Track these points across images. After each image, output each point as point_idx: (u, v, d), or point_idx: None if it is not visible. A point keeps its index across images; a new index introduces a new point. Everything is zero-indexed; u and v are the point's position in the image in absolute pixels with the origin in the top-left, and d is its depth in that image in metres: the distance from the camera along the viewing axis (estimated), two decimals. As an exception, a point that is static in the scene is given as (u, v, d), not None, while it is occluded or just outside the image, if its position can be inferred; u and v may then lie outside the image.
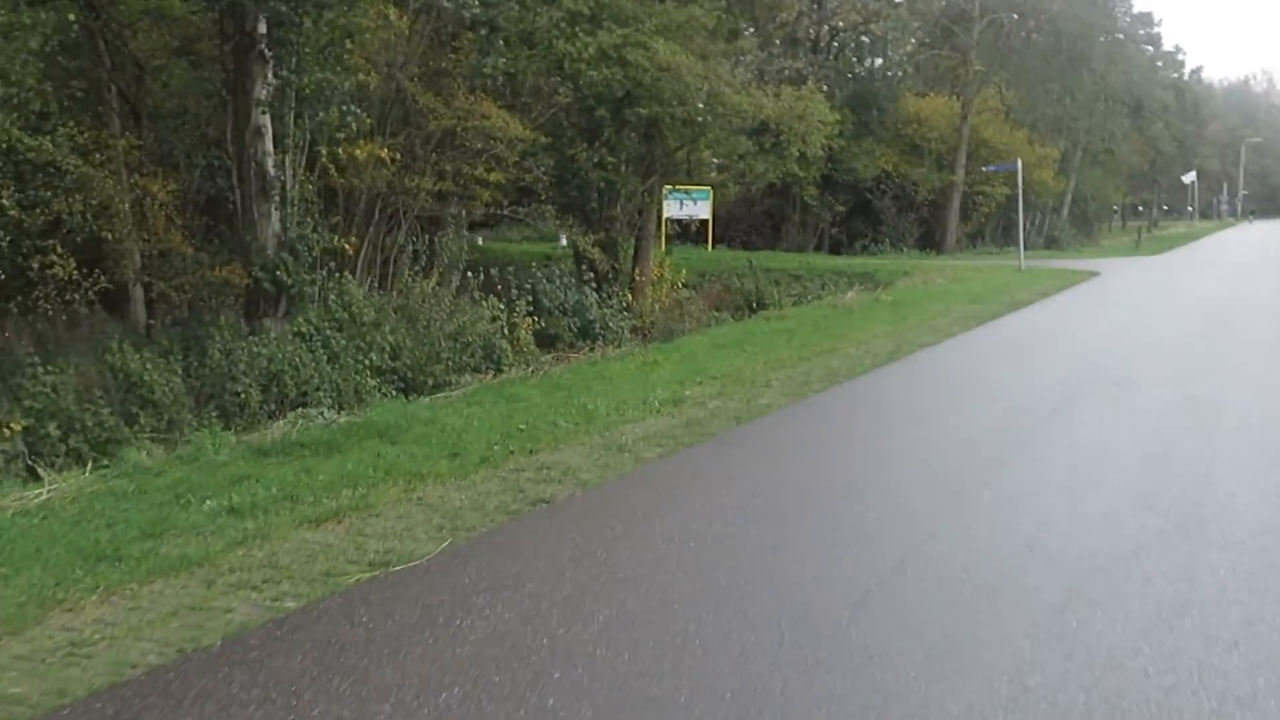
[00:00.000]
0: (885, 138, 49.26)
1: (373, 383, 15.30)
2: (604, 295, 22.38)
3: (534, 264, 22.26)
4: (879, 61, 52.50)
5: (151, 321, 15.66)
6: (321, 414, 10.30)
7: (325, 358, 15.19)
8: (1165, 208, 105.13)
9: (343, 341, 15.46)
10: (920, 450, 8.09)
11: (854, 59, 50.80)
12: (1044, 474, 7.27)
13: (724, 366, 12.27)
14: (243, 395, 13.55)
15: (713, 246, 45.68)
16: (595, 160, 24.00)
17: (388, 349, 16.02)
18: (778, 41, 47.20)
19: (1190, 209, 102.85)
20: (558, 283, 21.16)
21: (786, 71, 45.87)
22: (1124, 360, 13.10)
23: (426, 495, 6.74)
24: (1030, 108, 53.35)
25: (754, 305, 29.20)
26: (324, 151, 17.35)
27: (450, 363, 16.39)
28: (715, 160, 50.36)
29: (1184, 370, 12.38)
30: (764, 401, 10.14)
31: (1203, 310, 19.91)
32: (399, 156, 18.22)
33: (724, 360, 12.83)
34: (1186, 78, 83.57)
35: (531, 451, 7.96)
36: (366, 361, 15.52)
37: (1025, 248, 53.20)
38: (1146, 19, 68.18)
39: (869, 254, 45.75)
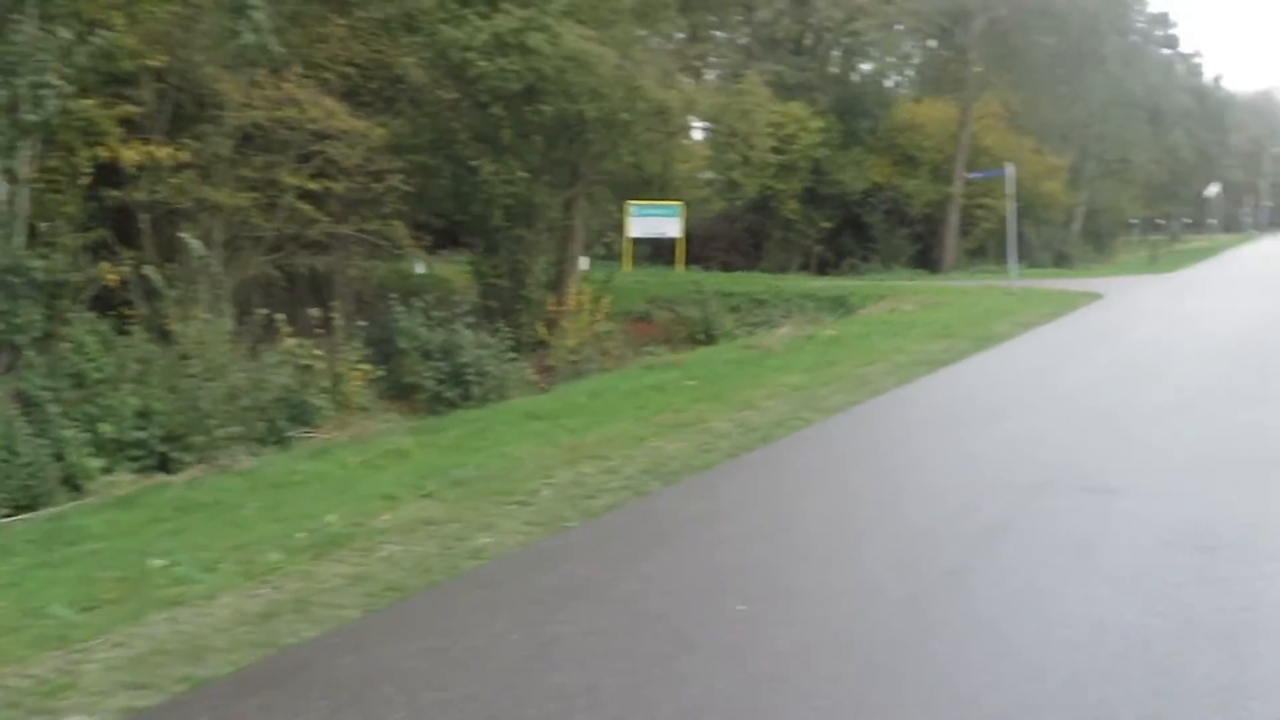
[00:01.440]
0: (876, 147, 45.04)
1: (96, 464, 11.27)
2: (496, 331, 18.33)
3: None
4: (871, 66, 48.27)
5: None
6: None
7: (31, 431, 11.19)
8: (1187, 221, 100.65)
9: (54, 409, 11.45)
10: None
11: (842, 62, 46.53)
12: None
13: (500, 457, 8.19)
14: None
15: (685, 267, 41.62)
16: (503, 174, 20.05)
17: (129, 415, 12.00)
18: (746, 41, 43.22)
19: (1213, 222, 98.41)
20: (421, 318, 17.08)
21: (767, 76, 41.87)
22: (1105, 442, 8.94)
23: None
24: (1036, 113, 49.01)
25: (701, 337, 25.25)
26: (80, 152, 13.44)
27: (221, 431, 12.33)
28: (706, 174, 46.71)
29: (1195, 461, 8.25)
30: (480, 542, 6.06)
31: (1222, 347, 15.71)
32: (192, 158, 14.29)
33: (514, 443, 8.75)
34: (1208, 85, 79.08)
35: None
36: (90, 433, 11.51)
37: (1033, 264, 49.11)
38: (1162, 19, 63.58)
39: (857, 274, 41.52)
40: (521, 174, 20.25)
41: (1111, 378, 12.70)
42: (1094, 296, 25.43)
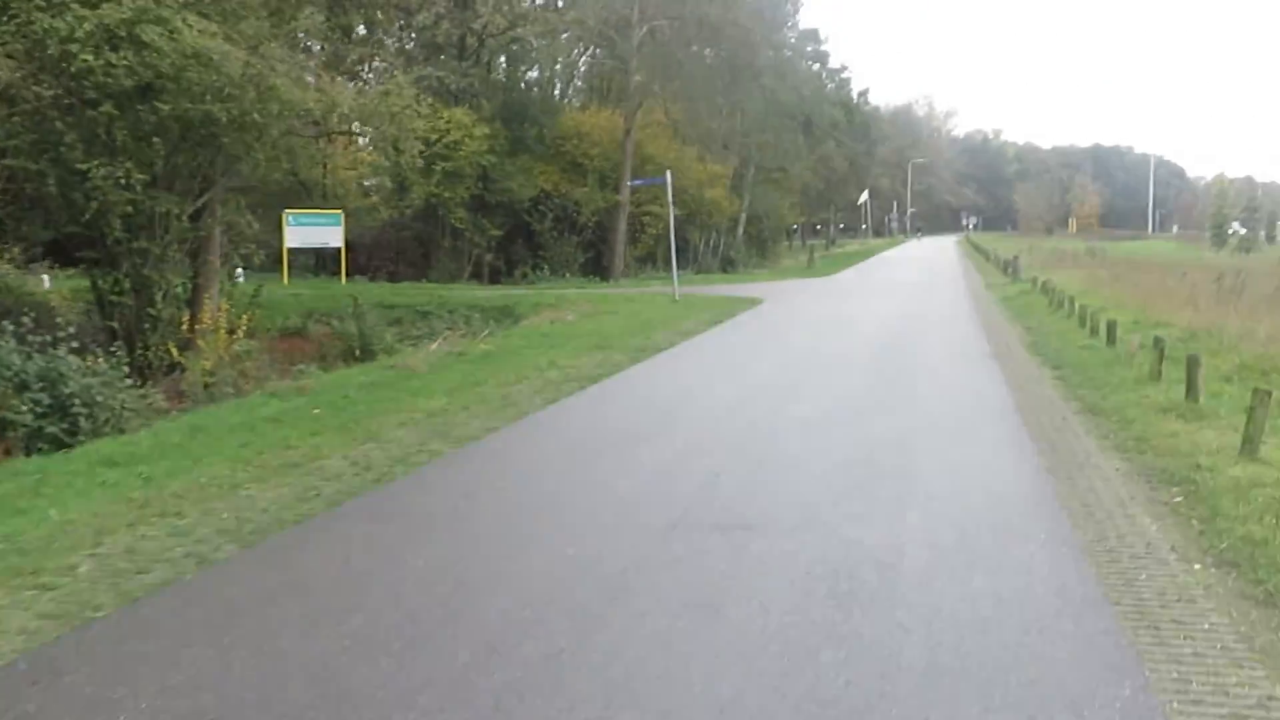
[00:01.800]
0: (545, 155, 44.71)
1: None
2: (114, 355, 16.26)
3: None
4: (538, 73, 47.91)
5: None
6: None
7: None
8: (842, 226, 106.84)
9: None
10: None
11: (508, 69, 45.87)
12: None
13: (44, 520, 6.71)
14: None
15: (349, 278, 39.72)
16: (118, 179, 17.89)
17: None
18: (410, 46, 41.90)
19: (865, 226, 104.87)
20: (14, 343, 14.87)
21: (427, 80, 40.59)
22: (747, 465, 8.40)
23: None
24: (697, 123, 50.12)
25: (357, 353, 23.78)
26: None
27: None
28: (369, 181, 44.76)
29: (835, 481, 7.81)
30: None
31: (872, 350, 15.94)
32: None
33: (72, 500, 7.22)
34: (855, 99, 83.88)
35: None
36: None
37: (701, 270, 50.18)
38: (813, 35, 66.96)
39: (529, 283, 40.89)
40: (140, 178, 18.18)
41: (761, 390, 12.38)
42: (754, 302, 25.78)
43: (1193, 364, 10.16)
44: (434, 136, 39.67)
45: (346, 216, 48.44)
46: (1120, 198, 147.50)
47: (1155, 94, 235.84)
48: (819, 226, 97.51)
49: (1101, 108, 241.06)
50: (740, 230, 56.22)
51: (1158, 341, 11.86)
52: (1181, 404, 10.05)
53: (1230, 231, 54.89)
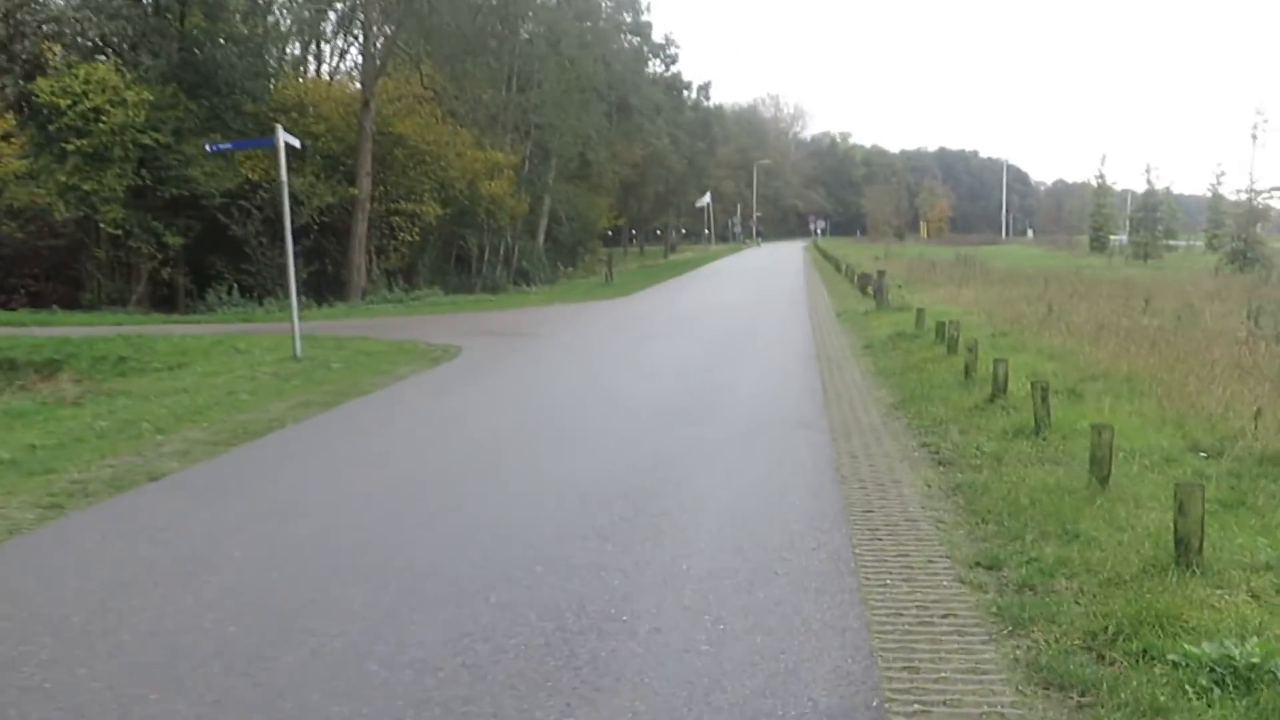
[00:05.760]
0: (250, 133, 32.74)
1: None
2: None
3: None
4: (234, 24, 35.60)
5: None
6: None
7: None
8: (684, 231, 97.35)
9: None
10: None
11: (187, 16, 33.34)
12: None
13: None
14: None
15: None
16: None
17: None
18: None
19: (707, 232, 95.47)
20: None
21: (47, 26, 28.75)
22: None
23: None
24: (468, 95, 38.80)
25: None
26: None
27: None
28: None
29: None
30: None
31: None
32: None
33: None
34: (695, 93, 74.29)
35: None
36: None
37: (487, 287, 39.14)
38: (630, 2, 56.13)
39: (227, 308, 28.84)
40: None
41: None
42: (440, 357, 14.81)
43: None
44: (63, 103, 28.00)
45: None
46: (967, 201, 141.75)
47: (996, 99, 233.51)
48: (659, 231, 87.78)
49: (946, 112, 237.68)
50: (540, 236, 45.28)
51: None
52: None
53: (1114, 238, 46.21)
